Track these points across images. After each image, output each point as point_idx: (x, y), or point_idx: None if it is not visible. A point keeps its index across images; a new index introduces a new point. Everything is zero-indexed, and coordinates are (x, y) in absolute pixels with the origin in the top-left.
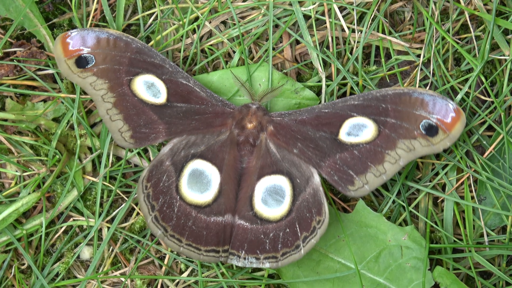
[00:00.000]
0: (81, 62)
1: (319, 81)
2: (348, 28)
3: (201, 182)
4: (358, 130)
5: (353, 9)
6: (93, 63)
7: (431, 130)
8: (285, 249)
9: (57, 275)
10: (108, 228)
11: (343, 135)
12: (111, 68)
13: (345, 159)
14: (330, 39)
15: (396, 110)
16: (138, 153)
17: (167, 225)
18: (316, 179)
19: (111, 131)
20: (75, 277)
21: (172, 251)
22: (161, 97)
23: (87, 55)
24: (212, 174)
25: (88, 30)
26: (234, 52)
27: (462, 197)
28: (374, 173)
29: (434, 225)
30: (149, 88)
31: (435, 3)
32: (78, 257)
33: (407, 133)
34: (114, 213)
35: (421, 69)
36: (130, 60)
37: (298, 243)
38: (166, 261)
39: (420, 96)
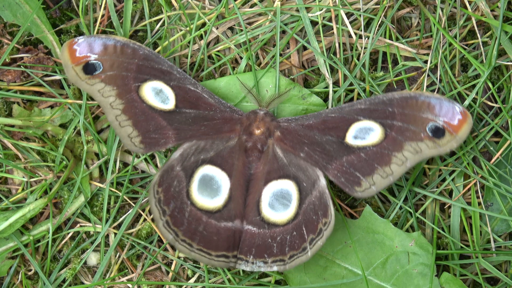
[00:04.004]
0: (88, 68)
1: (326, 87)
2: (355, 34)
3: (211, 188)
4: (365, 133)
5: (360, 15)
6: (101, 69)
7: (438, 133)
8: (292, 252)
9: (64, 281)
10: (115, 234)
11: (350, 139)
12: (119, 74)
13: (352, 162)
14: (337, 45)
15: (403, 113)
16: (145, 159)
17: (178, 230)
18: (322, 182)
19: (120, 137)
20: (82, 283)
21: (179, 257)
22: (170, 103)
23: (94, 61)
24: (222, 179)
25: (95, 37)
26: (241, 58)
27: (469, 203)
28: (381, 175)
29: (441, 231)
30: (158, 95)
31: (442, 9)
32: (85, 263)
33: (413, 135)
34: (121, 219)
35: (428, 75)
36: (138, 66)
37: (305, 246)
38: (173, 267)
39: (427, 99)
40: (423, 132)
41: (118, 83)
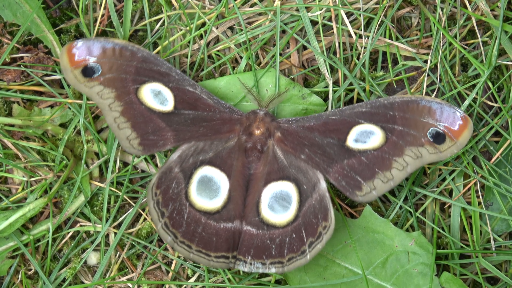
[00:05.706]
0: (87, 71)
1: (326, 87)
2: (355, 33)
3: (210, 189)
4: (366, 137)
5: (360, 15)
6: (100, 72)
7: (439, 138)
8: (291, 254)
9: (64, 280)
10: (115, 233)
11: (350, 142)
12: (117, 77)
13: (353, 165)
14: (337, 44)
15: (404, 117)
16: (145, 159)
17: (177, 232)
18: (323, 185)
19: (119, 139)
20: (82, 283)
21: (179, 257)
22: (169, 105)
23: (93, 64)
24: (221, 180)
25: (93, 39)
26: (241, 57)
27: (469, 203)
28: (381, 179)
29: (441, 231)
30: (156, 96)
31: (442, 9)
32: (85, 262)
33: (414, 140)
34: (121, 218)
35: (428, 75)
36: (137, 68)
37: (304, 249)
38: (173, 266)
39: (428, 104)
40: (424, 137)
41: (117, 86)
